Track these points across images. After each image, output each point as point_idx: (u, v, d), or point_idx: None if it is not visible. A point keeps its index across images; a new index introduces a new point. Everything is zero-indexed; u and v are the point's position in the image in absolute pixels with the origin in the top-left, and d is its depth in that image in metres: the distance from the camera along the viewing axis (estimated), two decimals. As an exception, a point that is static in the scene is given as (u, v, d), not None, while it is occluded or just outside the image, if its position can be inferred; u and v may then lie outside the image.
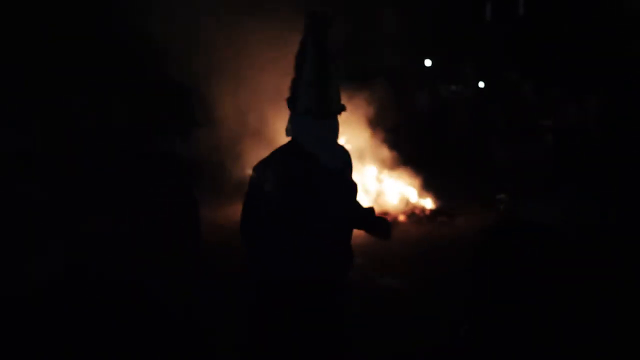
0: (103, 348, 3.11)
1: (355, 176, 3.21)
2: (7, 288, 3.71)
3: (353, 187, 3.17)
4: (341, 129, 2.98)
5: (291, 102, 2.93)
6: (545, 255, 3.98)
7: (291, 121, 2.93)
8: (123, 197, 3.18)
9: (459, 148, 11.78)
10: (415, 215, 9.42)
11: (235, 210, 6.36)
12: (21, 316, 3.74)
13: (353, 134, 9.41)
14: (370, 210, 3.27)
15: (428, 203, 9.77)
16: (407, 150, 10.32)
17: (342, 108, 2.97)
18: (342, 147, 3.12)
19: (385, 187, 9.87)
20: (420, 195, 9.90)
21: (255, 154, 8.52)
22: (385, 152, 10.01)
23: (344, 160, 3.07)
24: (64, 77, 7.18)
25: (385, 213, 9.15)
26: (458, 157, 11.26)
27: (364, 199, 9.19)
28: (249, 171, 3.02)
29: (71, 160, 4.91)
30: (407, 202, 9.74)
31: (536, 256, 4.03)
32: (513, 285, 4.05)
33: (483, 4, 17.43)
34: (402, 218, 9.29)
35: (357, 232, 3.19)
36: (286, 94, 2.98)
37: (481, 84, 15.19)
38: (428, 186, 10.01)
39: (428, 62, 17.09)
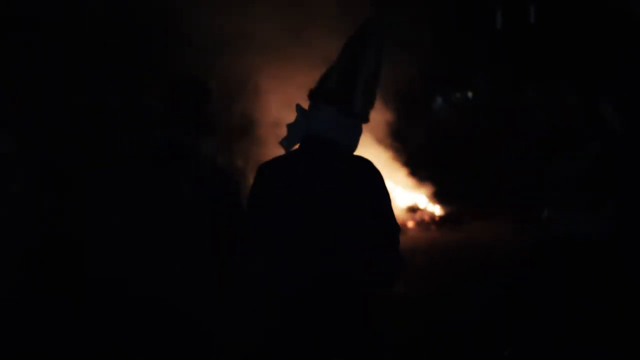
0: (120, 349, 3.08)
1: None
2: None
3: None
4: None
5: (319, 94, 2.60)
6: (593, 273, 3.88)
7: (310, 116, 2.59)
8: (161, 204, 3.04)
9: (473, 154, 11.70)
10: (424, 221, 9.38)
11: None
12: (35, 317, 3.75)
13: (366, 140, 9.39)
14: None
15: (437, 209, 9.73)
16: (417, 155, 10.28)
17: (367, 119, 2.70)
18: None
19: (394, 193, 9.83)
20: (429, 201, 9.87)
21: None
22: (396, 158, 9.99)
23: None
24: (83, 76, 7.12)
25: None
26: (469, 163, 11.19)
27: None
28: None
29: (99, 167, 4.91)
30: (416, 208, 9.71)
31: (584, 273, 3.92)
32: (559, 305, 3.95)
33: (494, 11, 17.41)
34: (411, 224, 9.25)
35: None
36: None
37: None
38: (437, 192, 9.96)
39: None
